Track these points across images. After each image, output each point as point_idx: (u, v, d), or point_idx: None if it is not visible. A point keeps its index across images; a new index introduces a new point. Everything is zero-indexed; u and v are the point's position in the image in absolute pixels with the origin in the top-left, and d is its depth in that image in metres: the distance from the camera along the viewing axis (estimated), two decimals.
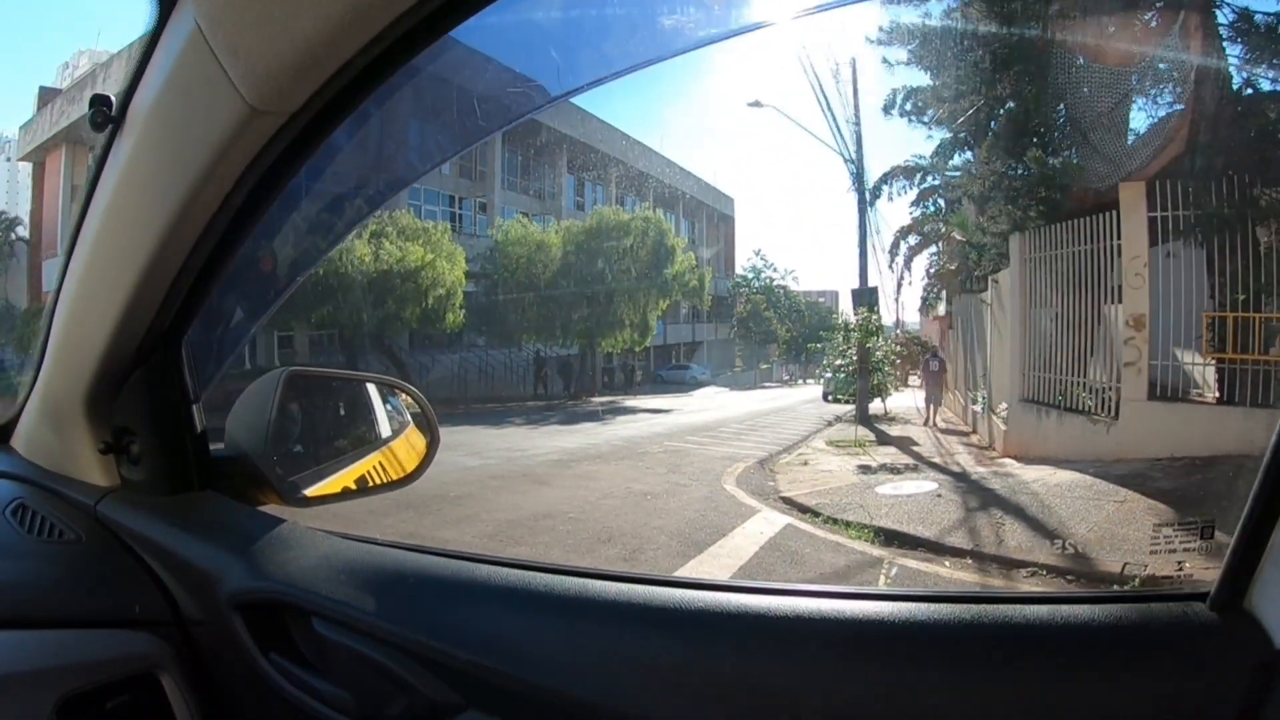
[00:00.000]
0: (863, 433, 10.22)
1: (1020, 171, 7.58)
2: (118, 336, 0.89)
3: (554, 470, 7.70)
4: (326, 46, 0.60)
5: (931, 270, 14.19)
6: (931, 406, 12.50)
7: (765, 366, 26.47)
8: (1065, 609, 0.69)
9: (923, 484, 6.55)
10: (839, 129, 13.21)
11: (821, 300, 28.74)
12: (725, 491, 6.64)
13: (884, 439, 9.93)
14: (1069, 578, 4.00)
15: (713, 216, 25.59)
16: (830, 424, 12.59)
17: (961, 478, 6.77)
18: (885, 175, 14.99)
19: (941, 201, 14.12)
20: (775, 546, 4.76)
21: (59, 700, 0.77)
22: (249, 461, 0.99)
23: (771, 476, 7.42)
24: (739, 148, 31.21)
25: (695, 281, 17.91)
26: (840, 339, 14.42)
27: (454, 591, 0.83)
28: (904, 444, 9.42)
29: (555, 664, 0.75)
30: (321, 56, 0.61)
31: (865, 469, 7.69)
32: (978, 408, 9.74)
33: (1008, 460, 7.48)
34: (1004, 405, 8.12)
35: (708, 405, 16.81)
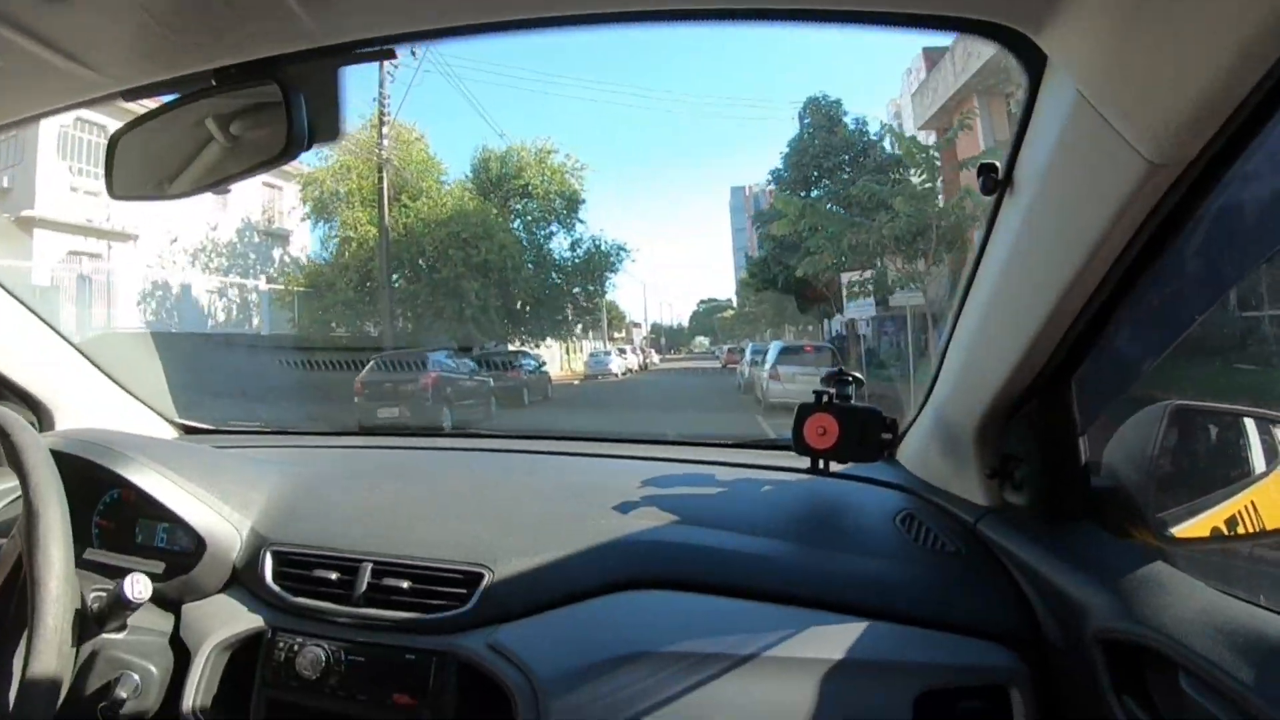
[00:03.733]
0: None
1: None
2: (1013, 375, 0.96)
3: None
4: (1220, 96, 0.60)
5: None
6: None
7: None
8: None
9: None
10: None
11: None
12: None
13: None
14: None
15: None
16: None
17: None
18: None
19: None
20: None
21: (919, 694, 0.85)
22: (1125, 494, 1.00)
23: None
24: None
25: None
26: None
27: None
28: None
29: None
30: (1215, 107, 0.62)
31: None
32: None
33: None
34: None
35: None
